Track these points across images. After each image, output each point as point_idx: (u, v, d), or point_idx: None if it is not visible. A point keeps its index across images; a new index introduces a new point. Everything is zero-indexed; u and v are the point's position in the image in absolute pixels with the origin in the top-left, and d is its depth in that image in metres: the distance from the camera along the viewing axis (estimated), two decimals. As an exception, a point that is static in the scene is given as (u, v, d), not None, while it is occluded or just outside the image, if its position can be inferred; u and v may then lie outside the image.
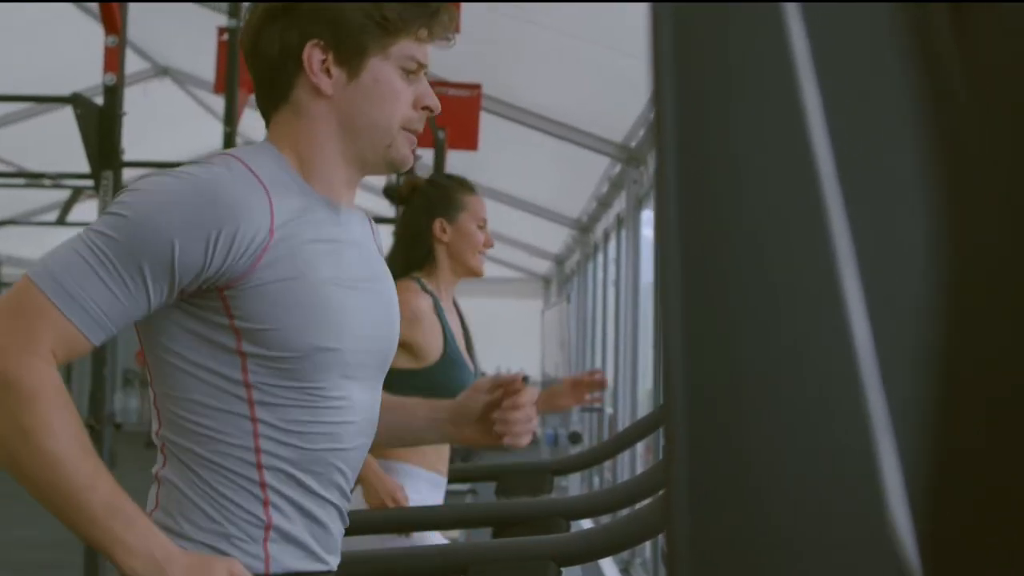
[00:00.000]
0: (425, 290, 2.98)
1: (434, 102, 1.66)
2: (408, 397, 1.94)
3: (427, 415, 1.91)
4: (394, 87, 1.62)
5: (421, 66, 1.64)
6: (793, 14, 0.48)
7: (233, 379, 1.51)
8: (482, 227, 3.06)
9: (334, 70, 1.60)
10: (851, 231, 0.46)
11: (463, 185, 3.15)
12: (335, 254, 1.58)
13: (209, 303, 1.50)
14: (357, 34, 1.59)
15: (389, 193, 3.13)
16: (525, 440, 1.90)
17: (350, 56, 1.59)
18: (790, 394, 0.48)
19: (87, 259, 1.43)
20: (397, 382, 2.87)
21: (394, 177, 5.13)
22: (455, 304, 3.16)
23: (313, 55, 1.59)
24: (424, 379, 2.91)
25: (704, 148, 0.48)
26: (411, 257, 3.03)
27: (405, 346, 2.90)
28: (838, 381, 0.47)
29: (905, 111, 0.46)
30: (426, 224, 3.01)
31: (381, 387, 1.70)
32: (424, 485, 2.97)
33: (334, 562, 1.62)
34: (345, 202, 1.64)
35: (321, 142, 1.61)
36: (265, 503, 1.52)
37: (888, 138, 0.47)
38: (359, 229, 1.68)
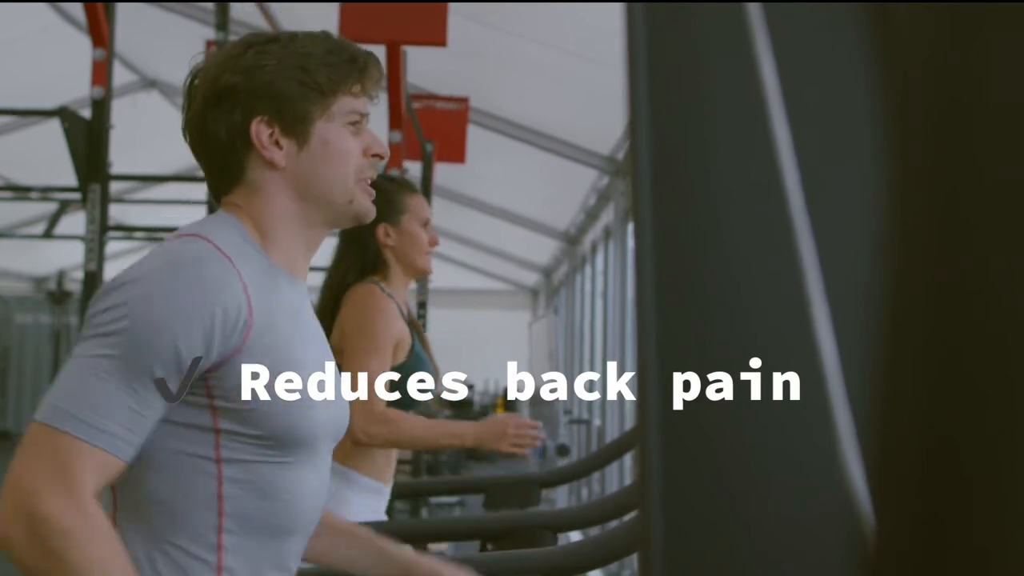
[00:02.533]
0: (385, 293, 3.00)
1: (382, 148, 1.70)
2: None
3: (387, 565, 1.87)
4: (343, 145, 1.65)
5: (363, 116, 1.67)
6: (756, 15, 0.48)
7: (204, 456, 1.50)
8: (425, 226, 3.07)
9: (283, 141, 1.62)
10: (815, 239, 0.46)
11: (403, 186, 3.15)
12: (299, 329, 1.60)
13: (192, 386, 1.49)
14: (297, 103, 1.62)
15: None
16: None
17: (296, 125, 1.62)
18: (762, 408, 0.48)
19: (96, 386, 1.41)
20: None
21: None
22: (407, 306, 3.17)
23: (261, 131, 1.61)
24: (398, 375, 2.95)
25: (676, 150, 0.49)
26: (364, 262, 3.03)
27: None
28: (808, 395, 0.48)
29: (868, 109, 0.47)
30: (369, 230, 3.01)
31: (329, 463, 1.71)
32: (369, 495, 2.97)
33: None
34: (301, 273, 1.67)
35: (283, 212, 1.63)
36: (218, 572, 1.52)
37: (851, 140, 0.47)
38: (306, 301, 1.70)
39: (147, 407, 1.43)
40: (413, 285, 3.82)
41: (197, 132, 1.63)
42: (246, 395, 1.50)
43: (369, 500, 2.96)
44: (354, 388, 2.85)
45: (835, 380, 0.46)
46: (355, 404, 2.82)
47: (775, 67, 0.48)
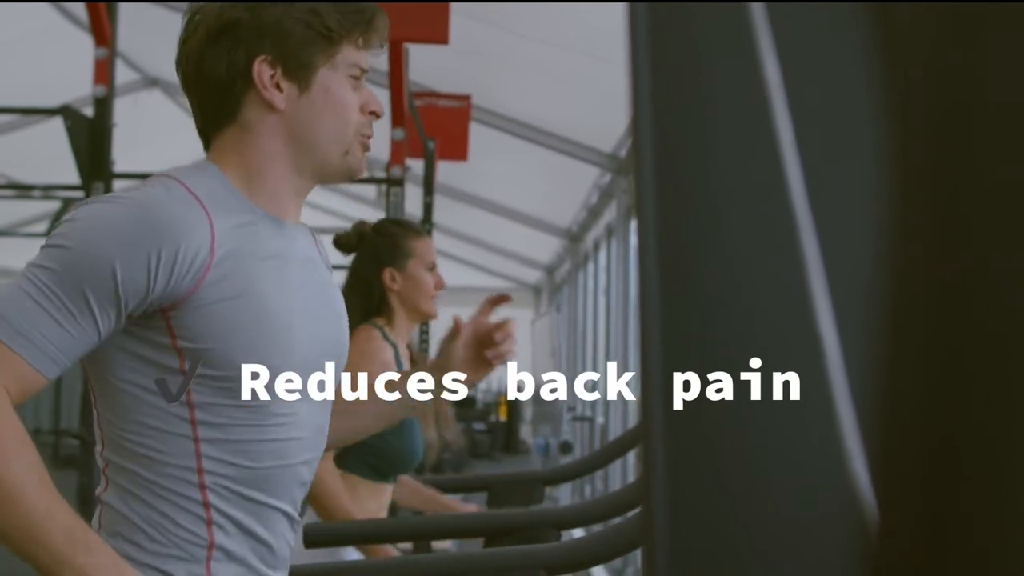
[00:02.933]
0: (387, 339, 2.97)
1: (379, 106, 1.67)
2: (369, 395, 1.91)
3: (403, 387, 1.89)
4: (344, 96, 1.62)
5: (364, 72, 1.65)
6: (761, 16, 0.48)
7: (178, 400, 1.50)
8: (432, 270, 3.05)
9: (284, 84, 1.59)
10: (819, 239, 0.47)
11: (410, 230, 3.12)
12: (279, 270, 1.57)
13: (152, 324, 1.49)
14: (303, 46, 1.59)
15: (337, 242, 3.10)
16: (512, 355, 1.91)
17: (299, 69, 1.59)
18: (765, 405, 0.49)
19: (32, 295, 1.42)
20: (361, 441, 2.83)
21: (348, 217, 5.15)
22: (408, 348, 3.15)
23: (263, 71, 1.58)
24: (382, 439, 2.79)
25: (678, 148, 0.49)
26: (367, 306, 3.00)
27: None
28: (811, 393, 0.48)
29: (871, 109, 0.47)
30: (375, 273, 2.99)
31: (328, 406, 1.69)
32: (369, 495, 2.96)
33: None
34: (291, 215, 1.64)
35: (273, 156, 1.60)
36: (208, 523, 1.51)
37: (854, 139, 0.48)
38: (304, 243, 1.67)
39: (78, 328, 1.43)
40: None
41: (194, 67, 1.60)
42: (205, 336, 1.48)
43: (373, 502, 2.95)
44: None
45: (838, 378, 0.46)
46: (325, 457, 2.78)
47: (778, 66, 0.48)
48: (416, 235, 3.09)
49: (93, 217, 1.46)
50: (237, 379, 1.51)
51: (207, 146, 1.65)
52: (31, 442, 1.41)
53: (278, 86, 1.59)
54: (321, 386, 1.63)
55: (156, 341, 1.49)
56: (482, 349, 1.92)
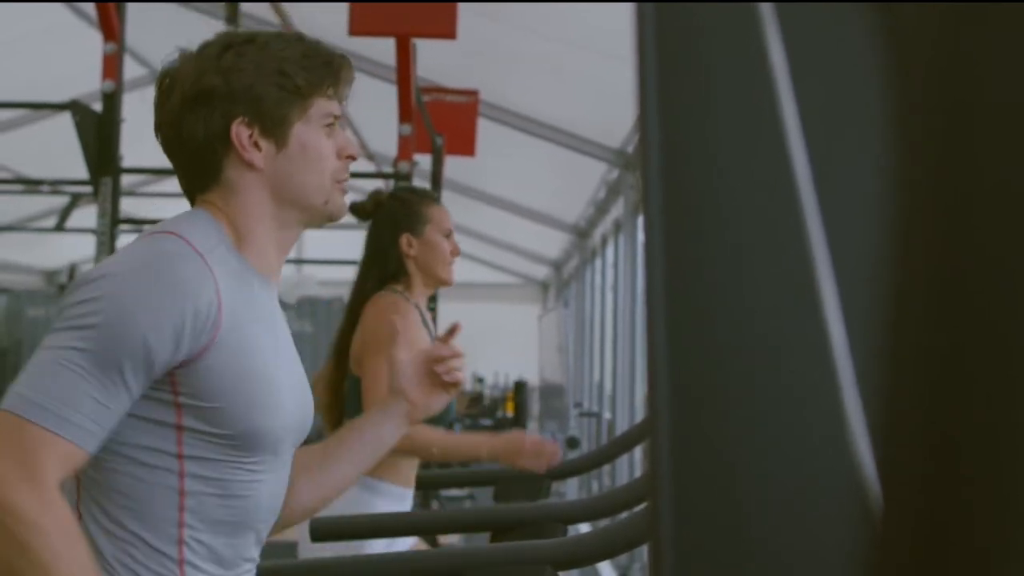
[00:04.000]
0: (408, 301, 3.01)
1: (354, 149, 1.72)
2: (339, 432, 1.92)
3: (370, 423, 1.89)
4: (320, 148, 1.67)
5: (336, 119, 1.69)
6: (768, 15, 0.49)
7: (167, 452, 1.52)
8: (448, 236, 3.08)
9: (262, 143, 1.64)
10: (826, 233, 0.47)
11: (426, 197, 3.17)
12: (270, 331, 1.62)
13: (156, 382, 1.51)
14: (277, 106, 1.63)
15: (355, 209, 3.14)
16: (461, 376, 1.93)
17: (275, 127, 1.64)
18: (772, 399, 0.49)
19: (65, 377, 1.43)
20: None
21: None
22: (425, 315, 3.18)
23: (240, 132, 1.62)
24: None
25: (686, 148, 0.49)
26: (385, 271, 3.04)
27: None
28: (818, 388, 0.48)
29: (878, 109, 0.47)
30: (392, 240, 3.03)
31: (290, 464, 1.72)
32: (395, 502, 3.00)
33: None
34: (275, 275, 1.68)
35: (258, 213, 1.65)
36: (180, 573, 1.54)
37: (862, 138, 0.48)
38: (275, 299, 1.71)
39: (113, 401, 1.45)
40: None
41: (173, 132, 1.64)
42: (211, 394, 1.51)
43: (393, 506, 2.98)
44: (372, 397, 2.86)
45: (845, 373, 0.46)
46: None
47: (784, 64, 0.48)
48: (432, 202, 3.12)
49: (113, 291, 1.47)
50: (234, 437, 1.54)
51: (192, 202, 1.69)
52: (83, 538, 1.43)
53: (256, 145, 1.64)
54: (294, 443, 1.68)
55: (155, 396, 1.52)
56: (433, 372, 1.91)
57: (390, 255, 3.05)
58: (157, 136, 1.67)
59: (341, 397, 3.07)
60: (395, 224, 3.05)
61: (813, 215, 0.47)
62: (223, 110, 1.62)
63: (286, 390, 1.61)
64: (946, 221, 0.41)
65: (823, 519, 0.49)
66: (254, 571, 1.67)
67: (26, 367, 1.46)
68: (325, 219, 1.70)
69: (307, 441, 1.77)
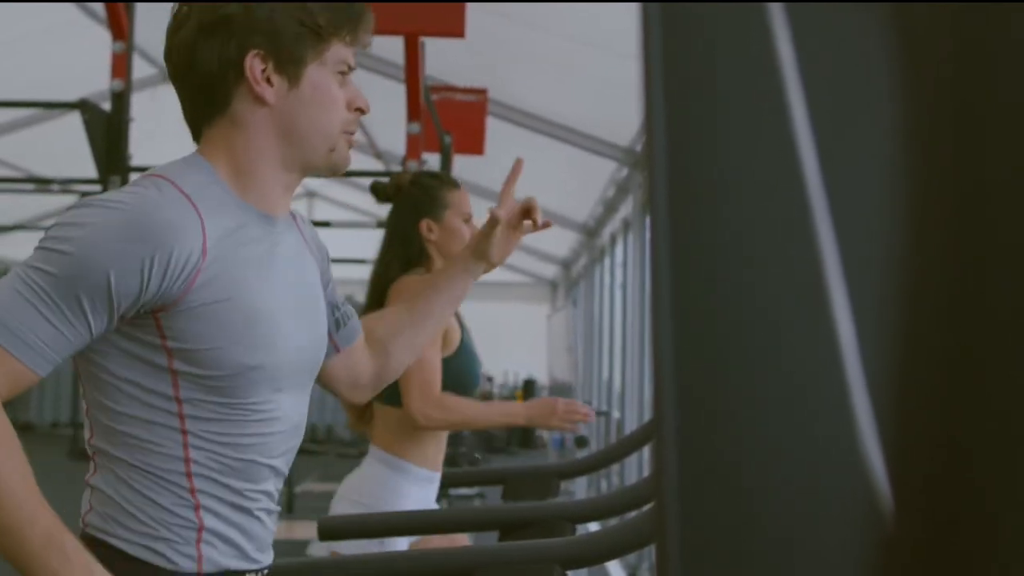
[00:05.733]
0: None
1: (365, 103, 1.71)
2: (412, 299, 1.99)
3: (447, 279, 1.99)
4: (332, 92, 1.65)
5: (351, 68, 1.68)
6: (777, 14, 0.48)
7: (164, 395, 1.54)
8: (468, 221, 3.10)
9: (275, 78, 1.62)
10: (835, 233, 0.47)
11: (446, 182, 3.19)
12: (267, 269, 1.60)
13: (142, 324, 1.52)
14: (294, 42, 1.62)
15: (375, 191, 3.17)
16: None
17: (290, 64, 1.62)
18: (778, 399, 0.49)
19: (26, 296, 1.45)
20: None
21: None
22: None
23: (255, 65, 1.60)
24: (448, 366, 3.02)
25: (692, 148, 0.49)
26: (407, 256, 3.08)
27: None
28: (826, 387, 0.48)
29: (889, 109, 0.47)
30: (412, 224, 3.08)
31: (310, 389, 1.74)
32: (422, 484, 3.03)
33: (266, 559, 1.66)
34: (280, 210, 1.67)
35: (261, 150, 1.63)
36: (196, 507, 1.56)
37: (872, 139, 0.48)
38: (291, 237, 1.70)
39: (70, 329, 1.46)
40: None
41: (185, 59, 1.62)
42: (196, 337, 1.51)
43: (421, 489, 3.01)
44: (409, 375, 2.90)
45: (854, 373, 0.46)
46: (413, 391, 2.91)
47: (794, 61, 0.48)
48: (452, 187, 3.14)
49: (89, 223, 1.48)
50: (223, 378, 1.54)
51: (197, 137, 1.67)
52: (18, 443, 1.44)
53: (268, 80, 1.62)
54: (304, 380, 1.66)
55: (146, 340, 1.53)
56: (515, 225, 2.04)
57: (411, 239, 3.08)
58: (167, 63, 1.65)
59: None
60: (415, 208, 3.09)
61: (822, 215, 0.47)
62: (240, 39, 1.60)
63: (285, 327, 1.60)
64: (959, 221, 0.41)
65: (831, 519, 0.48)
66: (275, 502, 1.66)
67: None
68: (328, 168, 1.68)
69: (316, 440, 1.78)
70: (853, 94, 0.48)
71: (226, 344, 1.53)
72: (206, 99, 1.63)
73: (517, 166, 2.11)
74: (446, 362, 3.03)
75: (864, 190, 0.47)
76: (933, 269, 0.42)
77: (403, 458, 3.00)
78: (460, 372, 3.05)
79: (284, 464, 1.66)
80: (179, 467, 1.54)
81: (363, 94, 1.70)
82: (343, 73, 1.67)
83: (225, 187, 1.60)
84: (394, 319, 1.93)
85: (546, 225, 2.11)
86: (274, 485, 1.65)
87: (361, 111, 1.69)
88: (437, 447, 3.07)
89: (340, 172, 1.70)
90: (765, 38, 0.48)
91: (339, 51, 1.65)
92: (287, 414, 1.63)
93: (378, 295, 3.06)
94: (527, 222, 2.06)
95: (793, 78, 0.47)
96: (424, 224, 3.07)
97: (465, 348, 3.09)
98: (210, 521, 1.56)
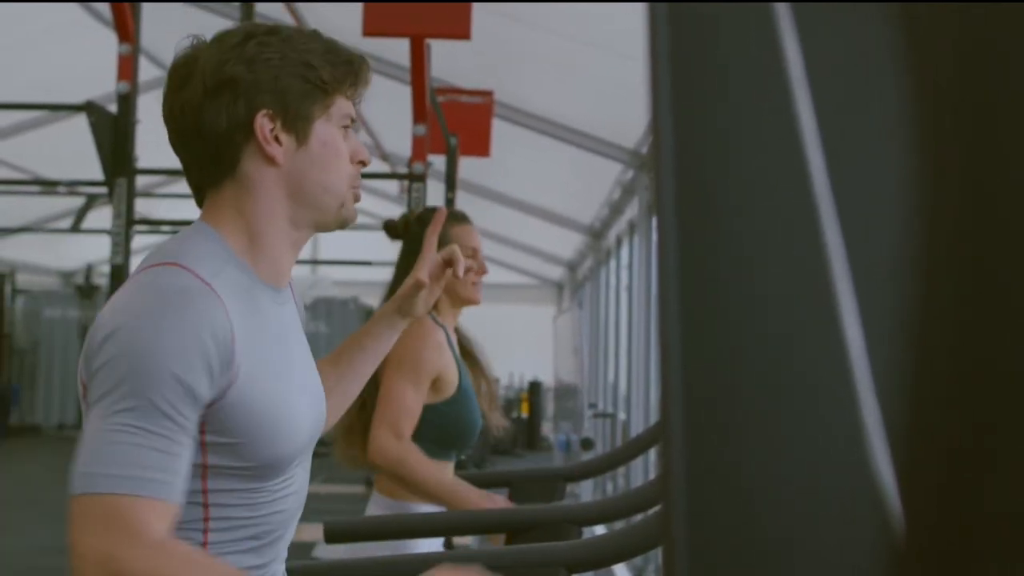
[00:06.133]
0: (436, 323, 3.02)
1: (367, 156, 1.70)
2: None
3: (373, 328, 1.98)
4: (338, 147, 1.64)
5: (353, 121, 1.68)
6: (784, 14, 0.48)
7: (192, 489, 1.50)
8: (472, 256, 3.08)
9: (283, 137, 1.60)
10: (843, 235, 0.46)
11: (450, 217, 3.18)
12: (281, 348, 1.59)
13: None
14: (301, 100, 1.60)
15: (387, 229, 3.19)
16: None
17: (298, 121, 1.60)
18: (786, 401, 0.48)
19: (125, 442, 1.40)
20: (421, 417, 2.90)
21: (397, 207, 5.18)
22: (457, 331, 3.19)
23: (264, 124, 1.58)
24: (442, 413, 2.96)
25: (699, 149, 0.49)
26: None
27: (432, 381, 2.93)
28: (833, 389, 0.47)
29: (896, 109, 0.46)
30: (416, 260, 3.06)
31: (309, 464, 1.72)
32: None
33: None
34: (286, 280, 1.66)
35: (272, 212, 1.61)
36: None
37: (879, 140, 0.47)
38: (290, 303, 1.69)
39: (175, 445, 1.42)
40: None
41: (191, 121, 1.59)
42: (235, 430, 1.49)
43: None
44: (381, 410, 2.86)
45: (862, 374, 0.46)
46: (380, 426, 2.84)
47: (801, 61, 0.48)
48: (455, 223, 3.13)
49: (132, 343, 1.43)
50: (255, 468, 1.53)
51: (200, 202, 1.65)
52: (218, 564, 1.44)
53: (277, 139, 1.60)
54: (312, 446, 1.67)
55: None
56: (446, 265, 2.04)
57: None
58: (168, 126, 1.62)
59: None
60: (419, 246, 3.09)
61: (829, 216, 0.46)
62: (248, 99, 1.57)
63: (302, 409, 1.59)
64: (969, 222, 0.40)
65: (837, 523, 0.48)
66: (283, 566, 1.66)
67: (81, 447, 1.42)
68: (337, 224, 1.67)
69: (322, 443, 1.77)
70: (860, 94, 0.47)
71: (261, 436, 1.51)
72: (213, 162, 1.60)
73: (439, 216, 2.07)
74: (441, 408, 2.95)
75: (871, 191, 0.47)
76: (942, 270, 0.41)
77: (408, 501, 2.97)
78: (458, 419, 2.97)
79: (292, 531, 1.65)
80: (198, 538, 1.52)
81: (364, 147, 1.69)
82: (346, 127, 1.66)
83: (237, 261, 1.57)
84: (322, 369, 1.86)
85: (468, 271, 2.11)
86: (284, 551, 1.64)
87: (364, 163, 1.68)
88: None
89: (347, 226, 1.69)
90: (772, 38, 0.47)
91: (343, 105, 1.64)
92: (300, 485, 1.63)
93: None
94: (448, 270, 2.05)
95: (800, 78, 0.47)
96: None
97: (464, 393, 3.01)
98: None
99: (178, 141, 1.63)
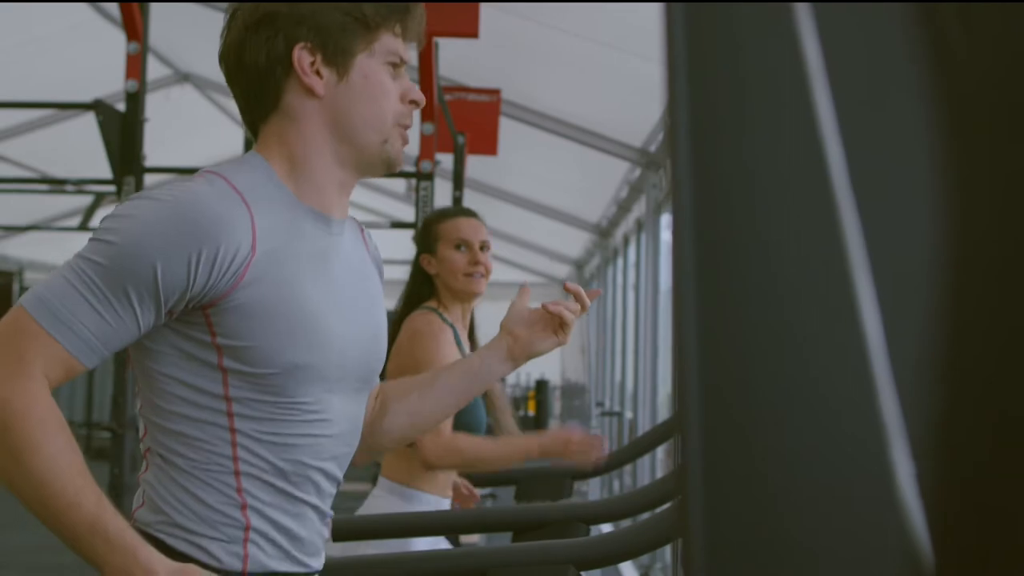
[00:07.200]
0: (444, 321, 3.06)
1: (419, 96, 1.69)
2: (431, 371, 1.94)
3: (471, 357, 1.90)
4: (383, 82, 1.65)
5: (403, 61, 1.67)
6: (804, 14, 0.48)
7: (214, 393, 1.54)
8: (462, 247, 3.11)
9: (324, 70, 1.62)
10: (863, 235, 0.46)
11: (442, 214, 3.27)
12: (320, 267, 1.60)
13: (193, 321, 1.53)
14: (341, 33, 1.62)
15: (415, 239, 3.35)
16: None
17: (338, 55, 1.62)
18: (803, 397, 0.48)
19: (75, 285, 1.47)
20: None
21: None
22: (470, 326, 3.23)
23: (303, 57, 1.61)
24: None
25: (717, 150, 0.49)
26: (421, 292, 3.13)
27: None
28: (851, 384, 0.47)
29: (916, 110, 0.46)
30: (417, 262, 3.16)
31: (367, 396, 1.72)
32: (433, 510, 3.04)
33: (316, 564, 1.65)
34: (337, 211, 1.66)
35: (316, 144, 1.63)
36: (243, 507, 1.55)
37: (899, 139, 0.47)
38: (350, 238, 1.70)
39: (118, 320, 1.47)
40: None
41: (235, 58, 1.63)
42: (245, 333, 1.51)
43: None
44: None
45: (881, 372, 0.46)
46: (424, 436, 2.88)
47: (820, 59, 0.48)
48: (445, 217, 3.19)
49: (139, 215, 1.49)
50: (272, 376, 1.54)
51: (255, 137, 1.68)
52: (67, 427, 1.46)
53: (318, 72, 1.62)
54: (357, 384, 1.65)
55: (197, 337, 1.53)
56: (544, 316, 1.90)
57: (418, 275, 3.16)
58: (221, 65, 1.66)
59: None
60: (418, 247, 3.18)
61: (849, 214, 0.46)
62: (286, 33, 1.60)
63: (335, 327, 1.59)
64: (1002, 219, 0.40)
65: (854, 520, 0.48)
66: (326, 506, 1.65)
67: (55, 270, 1.49)
68: (382, 163, 1.66)
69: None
70: (879, 93, 0.47)
71: (275, 341, 1.52)
72: (257, 96, 1.64)
73: (523, 293, 1.95)
74: None
75: (891, 189, 0.47)
76: (972, 270, 0.41)
77: (413, 487, 2.99)
78: (464, 418, 3.02)
79: (337, 468, 1.64)
80: (227, 466, 1.54)
81: (416, 88, 1.69)
82: (395, 65, 1.66)
83: (280, 185, 1.60)
84: (409, 382, 1.87)
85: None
86: (328, 488, 1.64)
87: (415, 104, 1.68)
88: (446, 472, 3.07)
89: (394, 168, 1.69)
90: (790, 37, 0.47)
91: (389, 42, 1.64)
92: (338, 417, 1.62)
93: (391, 331, 3.11)
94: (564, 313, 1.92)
95: (819, 76, 0.47)
96: (424, 259, 3.14)
97: None
98: (256, 521, 1.55)
99: (228, 78, 1.67)
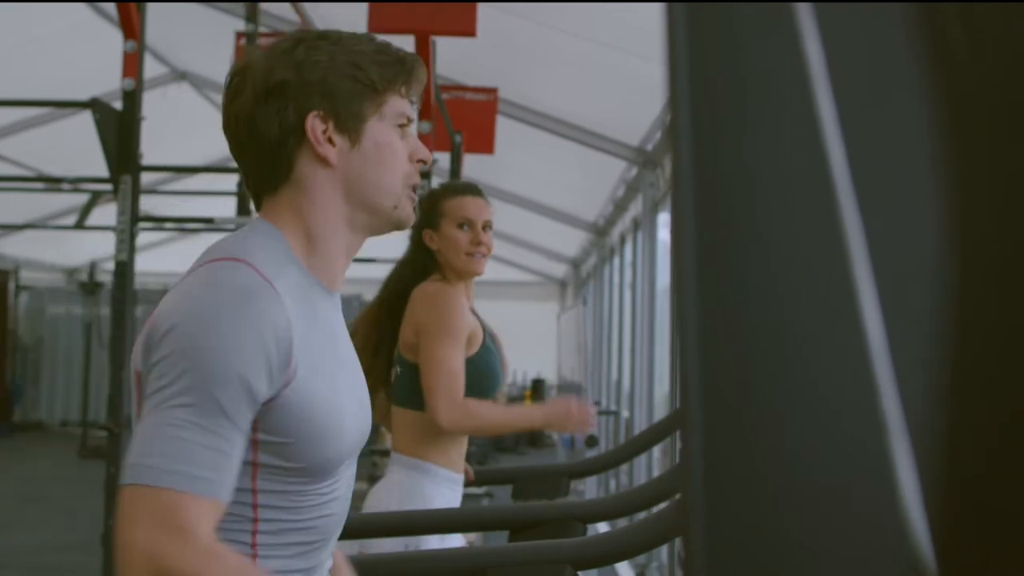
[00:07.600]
0: (455, 288, 3.13)
1: (426, 154, 1.69)
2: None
3: None
4: (394, 146, 1.65)
5: (409, 120, 1.68)
6: (805, 14, 0.48)
7: (242, 487, 1.50)
8: (465, 226, 3.14)
9: (336, 138, 1.61)
10: (864, 235, 0.46)
11: (448, 189, 3.29)
12: (331, 348, 1.59)
13: None
14: (352, 99, 1.61)
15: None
16: None
17: (350, 122, 1.61)
18: (805, 397, 0.48)
19: (178, 437, 1.40)
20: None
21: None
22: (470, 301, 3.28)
23: (315, 126, 1.59)
24: (475, 364, 3.07)
25: (718, 150, 0.49)
26: (426, 266, 3.17)
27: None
28: (852, 384, 0.47)
29: (917, 110, 0.46)
30: (418, 235, 3.19)
31: (355, 467, 1.72)
32: (446, 485, 3.07)
33: None
34: (340, 281, 1.66)
35: (328, 213, 1.62)
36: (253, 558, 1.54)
37: (900, 139, 0.47)
38: (338, 308, 1.69)
39: (228, 444, 1.42)
40: None
41: (245, 129, 1.61)
42: (286, 429, 1.49)
43: (446, 490, 3.05)
44: (434, 380, 2.95)
45: (882, 369, 0.46)
46: (439, 395, 2.98)
47: (822, 58, 0.48)
48: (451, 194, 3.22)
49: (195, 338, 1.43)
50: (304, 469, 1.52)
51: (259, 206, 1.66)
52: (253, 566, 1.45)
53: (330, 140, 1.60)
54: (357, 451, 1.66)
55: None
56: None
57: (419, 250, 3.18)
58: (225, 134, 1.64)
59: (387, 387, 3.20)
60: (420, 220, 3.19)
61: (850, 213, 0.46)
62: (297, 103, 1.59)
63: (350, 412, 1.58)
64: (1005, 219, 0.40)
65: (855, 518, 0.48)
66: (327, 563, 1.66)
67: (135, 438, 1.42)
68: (393, 225, 1.66)
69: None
70: (880, 93, 0.47)
71: (310, 437, 1.50)
72: (270, 167, 1.61)
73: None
74: (475, 360, 3.08)
75: (893, 189, 0.47)
76: (974, 270, 0.41)
77: (427, 460, 3.03)
78: (482, 369, 3.09)
79: (339, 528, 1.65)
80: (246, 552, 1.52)
81: (423, 146, 1.69)
82: (402, 126, 1.66)
83: (295, 260, 1.58)
84: None
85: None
86: (329, 554, 1.64)
87: (423, 162, 1.68)
88: (458, 449, 3.11)
89: (403, 228, 1.69)
90: (792, 38, 0.47)
91: (396, 104, 1.64)
92: (344, 488, 1.63)
93: (393, 303, 3.17)
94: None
95: (820, 77, 0.47)
96: (425, 234, 3.16)
97: (486, 348, 3.14)
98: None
99: (236, 150, 1.64)
